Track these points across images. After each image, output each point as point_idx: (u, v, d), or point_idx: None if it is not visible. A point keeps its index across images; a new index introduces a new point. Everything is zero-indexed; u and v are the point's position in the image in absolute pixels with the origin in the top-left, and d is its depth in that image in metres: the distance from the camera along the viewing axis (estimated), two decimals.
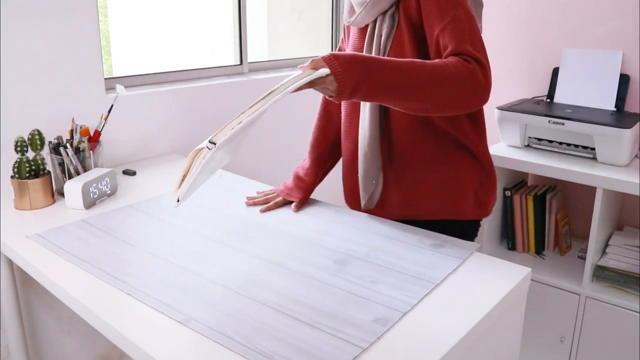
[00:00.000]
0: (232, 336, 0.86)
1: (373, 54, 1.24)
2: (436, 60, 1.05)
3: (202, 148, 0.94)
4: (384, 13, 1.22)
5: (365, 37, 1.28)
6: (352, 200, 1.41)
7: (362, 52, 1.28)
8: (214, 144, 0.93)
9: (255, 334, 0.87)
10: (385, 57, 1.04)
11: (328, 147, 1.45)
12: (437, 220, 1.30)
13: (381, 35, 1.22)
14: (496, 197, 1.35)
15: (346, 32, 1.42)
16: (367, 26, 1.27)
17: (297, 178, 1.43)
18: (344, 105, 1.36)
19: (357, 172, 1.34)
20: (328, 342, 0.85)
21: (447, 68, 1.03)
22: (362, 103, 1.28)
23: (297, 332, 0.88)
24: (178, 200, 0.95)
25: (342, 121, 1.38)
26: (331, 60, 0.97)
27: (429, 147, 1.26)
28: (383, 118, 1.26)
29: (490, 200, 1.33)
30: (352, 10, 1.30)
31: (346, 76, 0.97)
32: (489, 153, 1.30)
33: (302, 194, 1.40)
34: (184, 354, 0.84)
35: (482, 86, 1.06)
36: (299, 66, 1.00)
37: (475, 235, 1.37)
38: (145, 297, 0.98)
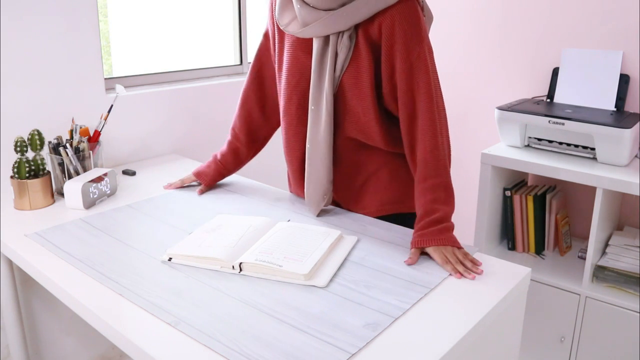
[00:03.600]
0: (220, 339, 0.86)
1: (326, 73, 1.20)
2: (436, 165, 1.18)
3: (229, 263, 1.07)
4: (342, 32, 1.18)
5: (310, 50, 1.23)
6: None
7: (311, 69, 1.23)
8: (240, 268, 1.06)
9: (243, 337, 0.87)
10: (447, 207, 1.17)
11: (249, 140, 1.48)
12: (385, 216, 1.33)
13: (336, 55, 1.19)
14: None
15: (276, 37, 1.31)
16: (311, 39, 1.22)
17: (214, 161, 1.50)
18: (286, 115, 1.33)
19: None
20: (316, 347, 0.84)
21: (445, 167, 1.20)
22: (310, 121, 1.26)
23: (285, 336, 0.87)
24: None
25: (285, 130, 1.34)
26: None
27: (371, 155, 1.30)
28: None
29: None
30: (291, 15, 1.22)
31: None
32: None
33: (209, 179, 1.50)
34: (174, 356, 0.83)
35: (449, 142, 1.23)
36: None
37: None
38: (137, 298, 0.98)
